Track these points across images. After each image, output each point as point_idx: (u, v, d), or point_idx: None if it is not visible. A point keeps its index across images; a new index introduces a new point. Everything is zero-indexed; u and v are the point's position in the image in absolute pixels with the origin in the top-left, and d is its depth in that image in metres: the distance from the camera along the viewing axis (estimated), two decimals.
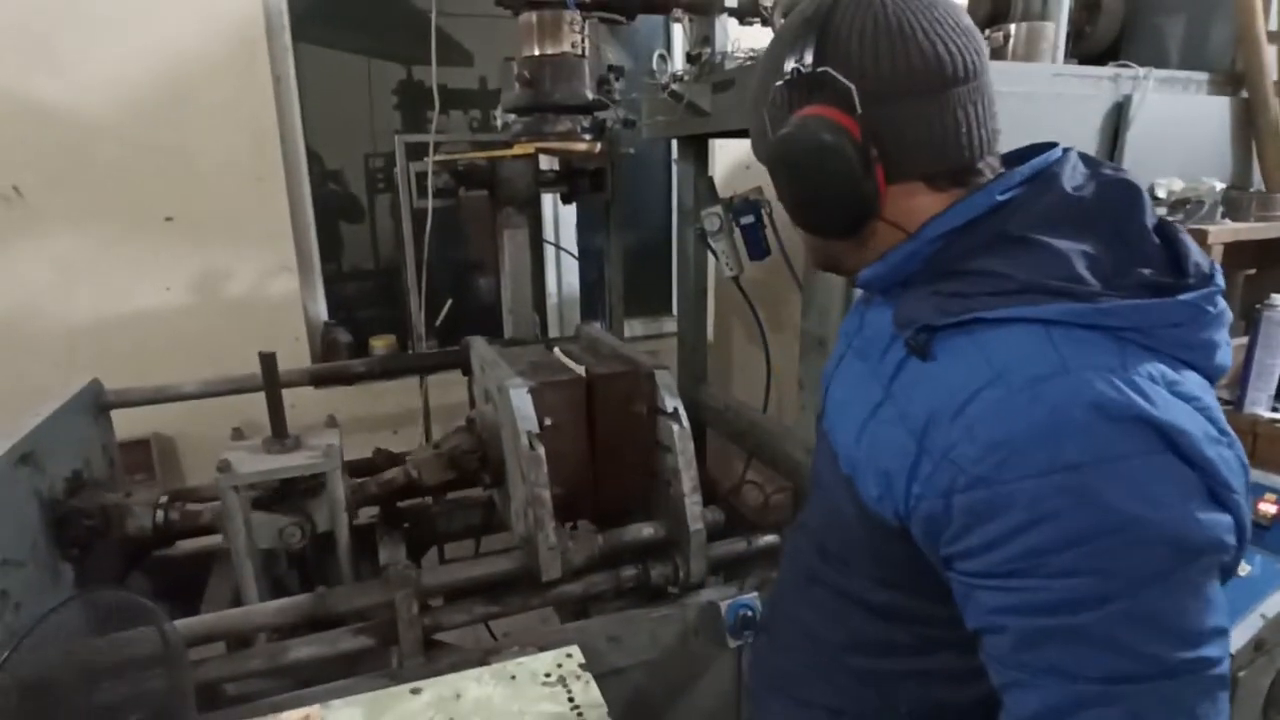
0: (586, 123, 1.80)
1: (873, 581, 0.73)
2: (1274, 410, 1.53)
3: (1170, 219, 1.63)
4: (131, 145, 2.23)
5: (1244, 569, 1.26)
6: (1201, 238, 1.57)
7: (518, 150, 1.69)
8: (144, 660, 1.05)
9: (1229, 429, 0.61)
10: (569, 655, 1.36)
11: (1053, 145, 0.70)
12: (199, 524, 1.54)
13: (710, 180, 2.16)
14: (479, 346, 1.90)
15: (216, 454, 1.51)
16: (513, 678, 1.31)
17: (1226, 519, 0.57)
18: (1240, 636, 1.16)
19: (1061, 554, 0.55)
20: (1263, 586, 1.23)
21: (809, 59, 0.66)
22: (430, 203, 1.88)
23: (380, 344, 2.73)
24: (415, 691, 1.28)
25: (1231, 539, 0.58)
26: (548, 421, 1.47)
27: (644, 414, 1.59)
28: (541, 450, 1.43)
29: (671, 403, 1.56)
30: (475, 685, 1.29)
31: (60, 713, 0.89)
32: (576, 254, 2.73)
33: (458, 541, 2.13)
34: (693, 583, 1.59)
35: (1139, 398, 0.56)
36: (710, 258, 2.19)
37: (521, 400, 1.47)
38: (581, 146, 1.74)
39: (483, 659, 1.41)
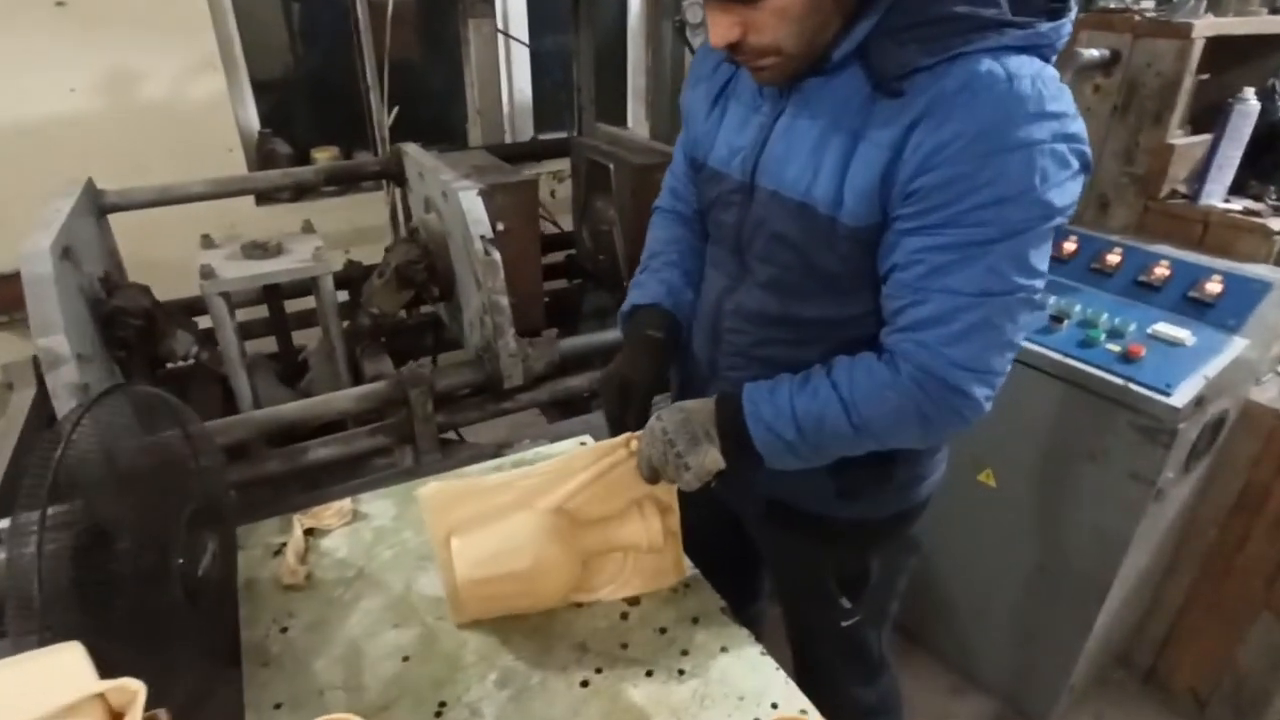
0: None
1: (838, 287, 0.93)
2: (1225, 202, 1.65)
3: (1157, 12, 1.64)
4: None
5: (1190, 339, 1.42)
6: (1186, 30, 1.59)
7: None
8: (180, 461, 1.04)
9: None
10: (583, 443, 1.43)
11: None
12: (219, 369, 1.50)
13: None
14: (414, 152, 1.74)
15: None
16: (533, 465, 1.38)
17: (1079, 187, 0.81)
18: (1185, 395, 1.33)
19: (980, 211, 0.78)
20: (1205, 354, 1.39)
21: None
22: None
23: (323, 156, 2.53)
24: None
25: (1076, 203, 0.83)
26: (500, 226, 1.39)
27: None
28: (497, 255, 1.35)
29: None
30: (498, 474, 1.35)
31: (127, 502, 0.89)
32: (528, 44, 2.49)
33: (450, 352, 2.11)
34: None
35: (1053, 103, 0.77)
36: (688, 55, 2.07)
37: (472, 203, 1.36)
38: None
39: (497, 452, 1.47)
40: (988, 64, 0.77)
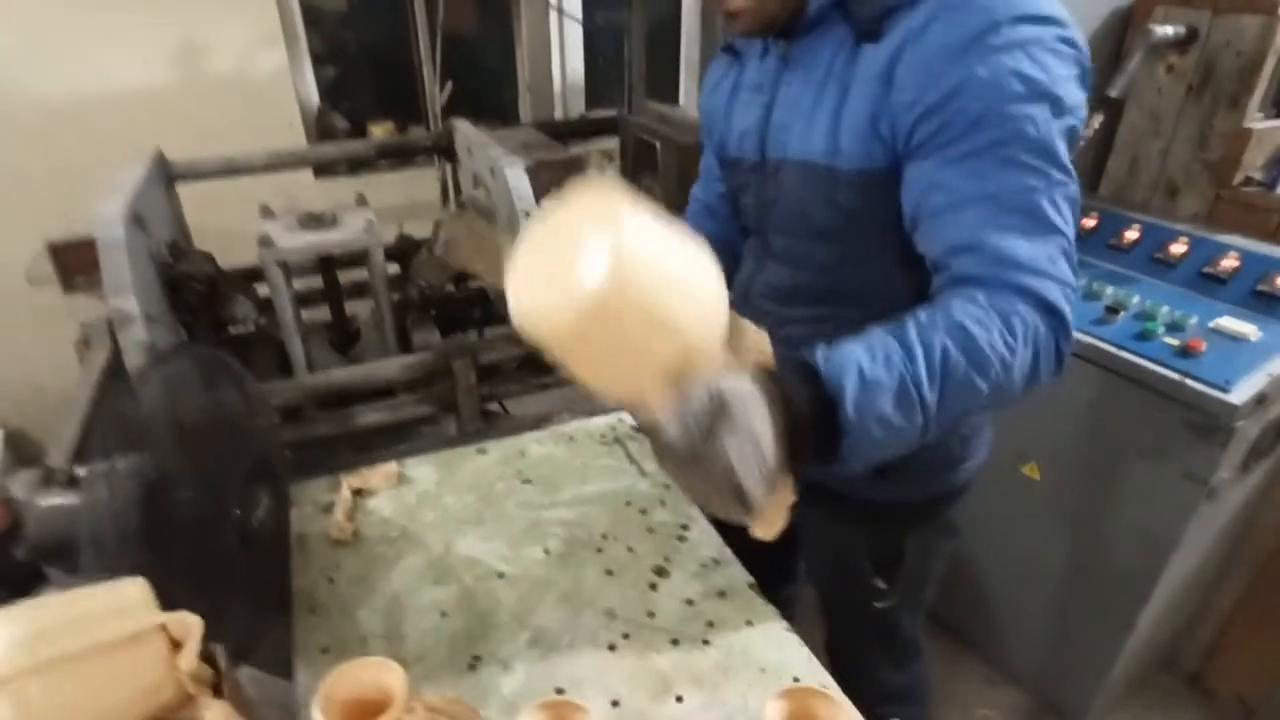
0: None
1: (841, 245, 0.92)
2: None
3: None
4: None
5: (1256, 335, 1.35)
6: (1274, 6, 1.50)
7: None
8: (238, 419, 1.09)
9: None
10: (621, 419, 1.46)
11: None
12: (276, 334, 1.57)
13: None
14: (464, 128, 1.78)
15: None
16: (571, 439, 1.41)
17: (1084, 96, 0.77)
18: (1245, 392, 1.27)
19: (991, 113, 0.73)
20: (1271, 350, 1.33)
21: None
22: None
23: (380, 131, 2.59)
24: (482, 451, 1.38)
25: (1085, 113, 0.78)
26: (545, 204, 1.42)
27: None
28: None
29: None
30: (537, 445, 1.39)
31: (190, 455, 0.94)
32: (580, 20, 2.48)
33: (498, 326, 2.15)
34: None
35: (1047, 6, 0.74)
36: None
37: (518, 179, 1.39)
38: None
39: (537, 424, 1.50)
40: None
